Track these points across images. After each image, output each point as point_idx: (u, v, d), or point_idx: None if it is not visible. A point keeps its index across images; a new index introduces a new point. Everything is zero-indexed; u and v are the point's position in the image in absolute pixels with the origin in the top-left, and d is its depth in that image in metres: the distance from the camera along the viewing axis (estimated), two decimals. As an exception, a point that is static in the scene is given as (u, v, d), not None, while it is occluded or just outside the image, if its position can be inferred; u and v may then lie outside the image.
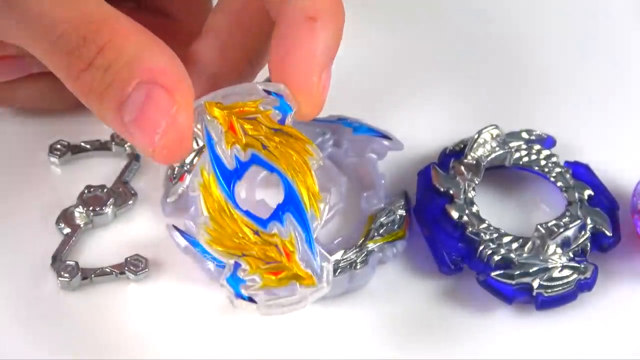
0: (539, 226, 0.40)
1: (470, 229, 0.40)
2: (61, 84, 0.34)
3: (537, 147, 0.43)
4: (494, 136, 0.43)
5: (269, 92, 0.33)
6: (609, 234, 0.40)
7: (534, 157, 0.43)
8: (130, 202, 0.42)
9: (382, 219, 0.41)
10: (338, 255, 0.39)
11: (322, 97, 0.34)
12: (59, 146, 0.44)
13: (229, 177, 0.33)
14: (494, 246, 0.39)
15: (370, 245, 0.40)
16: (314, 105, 0.34)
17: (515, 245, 0.40)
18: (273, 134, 0.33)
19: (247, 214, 0.32)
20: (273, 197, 0.38)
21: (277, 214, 0.33)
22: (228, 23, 0.37)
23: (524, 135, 0.44)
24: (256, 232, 0.32)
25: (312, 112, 0.34)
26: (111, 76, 0.31)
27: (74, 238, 0.40)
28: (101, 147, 0.44)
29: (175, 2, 0.41)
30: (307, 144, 0.33)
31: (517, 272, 0.39)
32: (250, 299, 0.32)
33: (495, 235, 0.40)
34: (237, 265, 0.32)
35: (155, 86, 0.31)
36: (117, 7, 0.33)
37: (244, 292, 0.32)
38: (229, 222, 0.32)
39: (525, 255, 0.39)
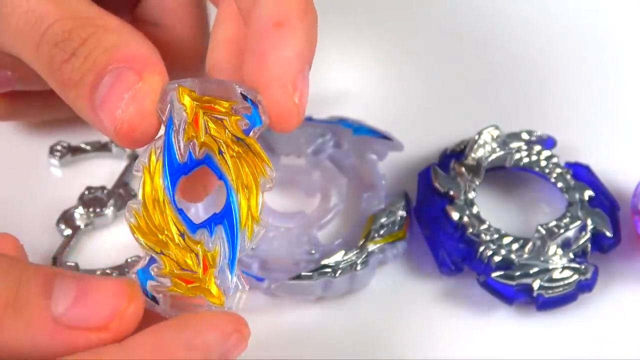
0: (539, 227, 0.40)
1: (470, 229, 0.40)
2: (50, 100, 0.34)
3: (537, 147, 0.43)
4: (495, 137, 0.43)
5: (245, 97, 0.31)
6: (609, 234, 0.40)
7: (534, 158, 0.43)
8: (131, 203, 0.42)
9: (382, 220, 0.41)
10: (339, 256, 0.39)
11: (298, 105, 0.32)
12: (59, 147, 0.44)
13: (176, 169, 0.31)
14: (494, 247, 0.39)
15: (371, 246, 0.40)
16: (291, 116, 0.32)
17: (515, 246, 0.40)
18: (234, 141, 0.31)
19: (181, 212, 0.31)
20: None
21: (209, 223, 0.31)
22: (228, 57, 0.36)
23: (525, 136, 0.44)
24: (182, 235, 0.30)
25: (289, 124, 0.32)
26: (89, 63, 0.31)
27: (74, 239, 0.40)
28: (101, 148, 0.44)
29: (169, 13, 0.41)
30: (265, 162, 0.31)
31: (518, 273, 0.39)
32: (154, 299, 0.30)
33: (495, 236, 0.40)
34: (152, 261, 0.30)
35: (126, 68, 0.31)
36: None
37: (149, 289, 0.30)
38: (159, 215, 0.30)
39: (525, 256, 0.39)
